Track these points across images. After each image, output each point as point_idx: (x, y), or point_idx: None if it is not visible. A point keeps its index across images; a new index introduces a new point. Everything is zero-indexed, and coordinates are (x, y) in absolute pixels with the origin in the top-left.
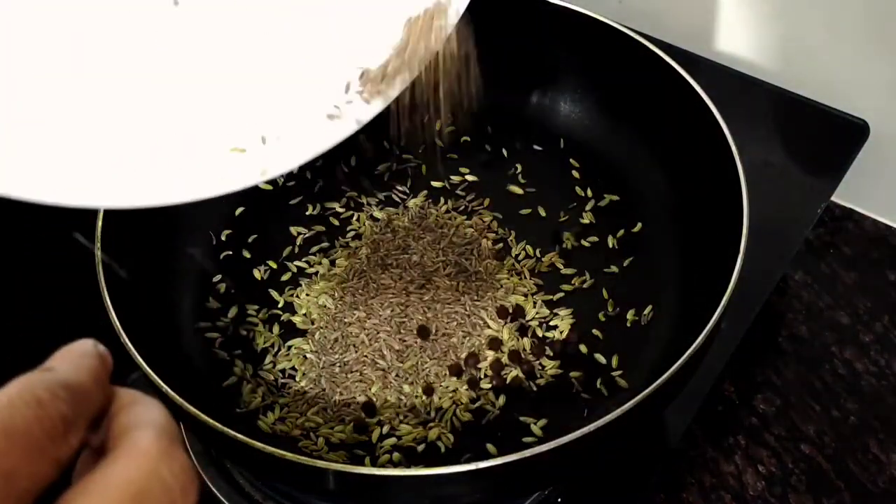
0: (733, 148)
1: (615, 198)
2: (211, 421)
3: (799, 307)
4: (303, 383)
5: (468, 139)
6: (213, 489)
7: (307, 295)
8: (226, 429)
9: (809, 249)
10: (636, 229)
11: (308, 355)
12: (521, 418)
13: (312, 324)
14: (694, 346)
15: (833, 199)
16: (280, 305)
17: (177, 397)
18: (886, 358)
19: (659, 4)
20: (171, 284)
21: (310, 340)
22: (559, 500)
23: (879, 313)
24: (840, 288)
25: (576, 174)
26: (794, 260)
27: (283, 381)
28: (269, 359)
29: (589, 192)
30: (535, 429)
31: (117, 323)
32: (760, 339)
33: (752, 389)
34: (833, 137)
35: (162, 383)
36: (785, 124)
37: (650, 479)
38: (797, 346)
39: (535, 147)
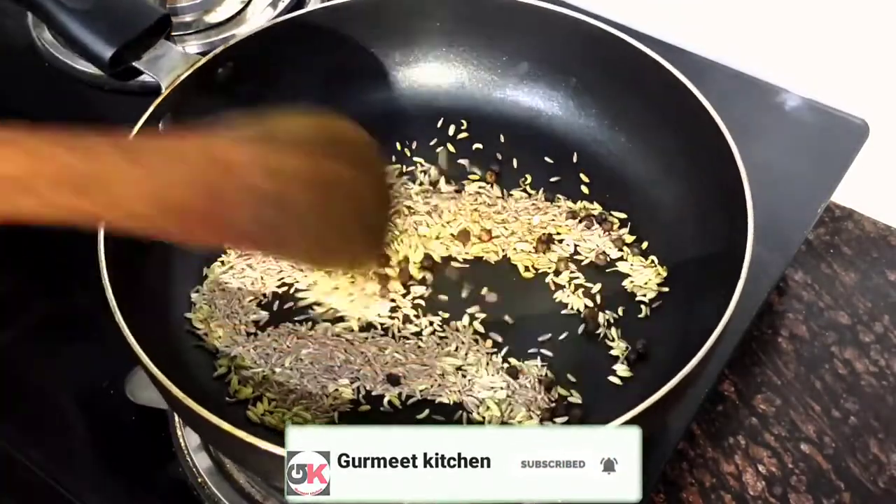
0: (740, 163)
1: (622, 216)
2: (206, 412)
3: (799, 307)
4: (293, 380)
5: (480, 146)
6: (214, 489)
7: (305, 292)
8: (217, 419)
9: (809, 249)
10: (644, 247)
11: (303, 351)
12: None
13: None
14: (695, 358)
15: (833, 199)
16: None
17: (179, 392)
18: (886, 358)
19: (661, 5)
20: (169, 276)
21: (298, 337)
22: None
23: (879, 313)
24: (840, 288)
25: (585, 189)
26: (794, 260)
27: (273, 377)
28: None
29: (596, 207)
30: None
31: (121, 320)
32: (760, 340)
33: (752, 389)
34: (833, 137)
35: (164, 378)
36: (785, 124)
37: (650, 479)
38: (797, 346)
39: (546, 159)
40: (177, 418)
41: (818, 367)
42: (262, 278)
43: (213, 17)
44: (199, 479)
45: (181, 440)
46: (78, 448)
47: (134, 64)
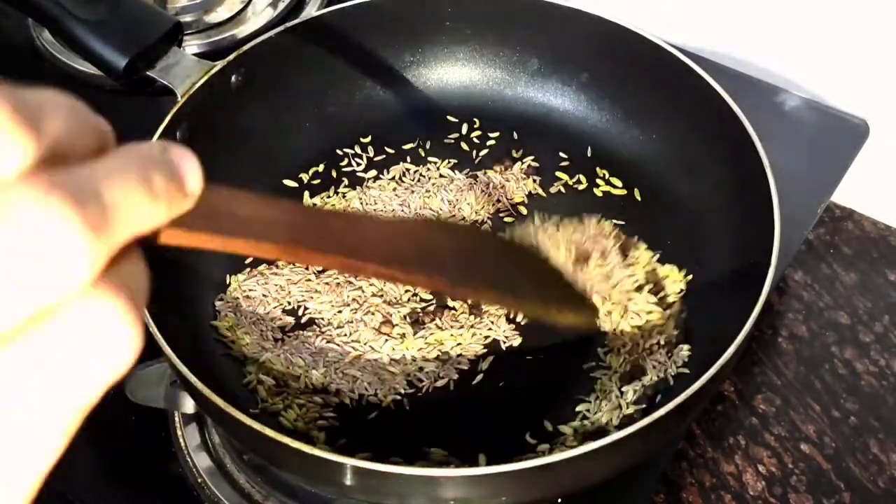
0: (761, 151)
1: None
2: (248, 419)
3: (799, 307)
4: (319, 386)
5: (494, 142)
6: (214, 489)
7: (326, 296)
8: (255, 423)
9: (809, 249)
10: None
11: (331, 355)
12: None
13: (330, 325)
14: (713, 369)
15: (833, 199)
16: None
17: (220, 401)
18: (886, 358)
19: (660, 5)
20: (193, 285)
21: (326, 341)
22: (559, 500)
23: (879, 313)
24: (840, 288)
25: (601, 182)
26: (794, 260)
27: (299, 384)
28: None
29: (611, 202)
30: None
31: (157, 333)
32: (760, 340)
33: (752, 389)
34: (833, 137)
35: (207, 389)
36: (785, 124)
37: (650, 479)
38: (797, 346)
39: (561, 154)
40: (177, 418)
41: (818, 367)
42: (285, 285)
43: (214, 17)
44: (199, 479)
45: (181, 440)
46: (77, 448)
47: (148, 73)
